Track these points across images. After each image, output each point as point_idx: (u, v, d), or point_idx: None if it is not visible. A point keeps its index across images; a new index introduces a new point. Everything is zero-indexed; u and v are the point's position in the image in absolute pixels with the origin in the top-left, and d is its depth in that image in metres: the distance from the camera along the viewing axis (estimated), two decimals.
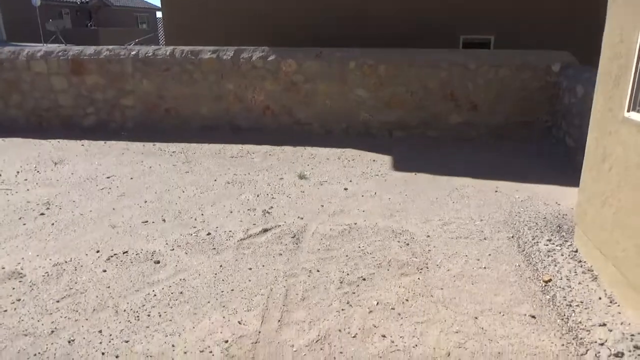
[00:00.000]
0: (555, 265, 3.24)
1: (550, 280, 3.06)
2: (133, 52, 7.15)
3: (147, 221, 4.04)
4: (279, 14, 8.87)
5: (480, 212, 4.18)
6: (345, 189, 4.80)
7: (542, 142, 6.38)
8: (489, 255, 3.42)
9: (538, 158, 5.82)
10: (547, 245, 3.52)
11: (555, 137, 6.32)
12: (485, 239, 3.68)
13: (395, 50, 6.84)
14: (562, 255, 3.37)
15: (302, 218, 4.08)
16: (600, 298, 2.86)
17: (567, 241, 3.56)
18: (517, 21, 8.45)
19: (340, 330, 2.62)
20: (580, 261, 3.27)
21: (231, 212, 4.23)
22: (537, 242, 3.57)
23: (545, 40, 7.92)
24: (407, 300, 2.89)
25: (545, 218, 4.01)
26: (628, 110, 2.83)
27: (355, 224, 3.95)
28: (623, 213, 2.82)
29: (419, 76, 6.70)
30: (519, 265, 3.27)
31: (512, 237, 3.70)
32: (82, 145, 6.50)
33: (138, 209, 4.31)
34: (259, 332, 2.61)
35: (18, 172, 5.31)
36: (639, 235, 2.62)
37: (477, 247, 3.53)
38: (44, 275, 3.16)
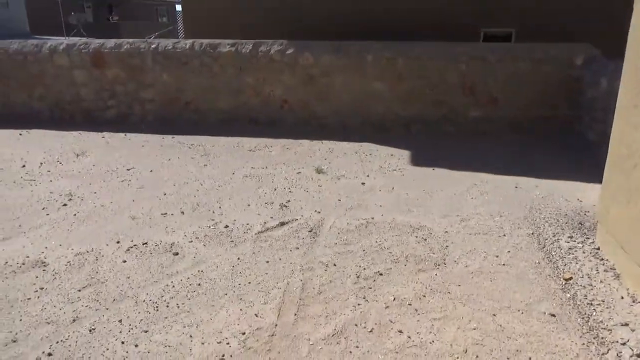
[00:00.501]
0: (577, 263, 3.18)
1: (571, 278, 3.01)
2: (153, 46, 7.21)
3: (166, 213, 4.09)
4: (299, 6, 8.84)
5: (500, 208, 4.13)
6: (363, 183, 4.79)
7: (564, 136, 6.25)
8: (508, 251, 3.38)
9: (559, 153, 5.71)
10: (568, 242, 3.46)
11: (578, 131, 6.19)
12: (504, 235, 3.63)
13: (414, 44, 6.77)
14: (584, 252, 3.31)
15: (319, 212, 4.09)
16: (622, 297, 2.80)
17: (588, 238, 3.50)
18: (539, 14, 8.28)
19: (356, 325, 2.62)
20: (602, 259, 3.20)
21: (249, 205, 4.25)
22: (558, 239, 3.51)
23: (568, 32, 7.75)
24: (424, 296, 2.87)
25: (566, 215, 3.94)
26: None
27: (373, 218, 3.94)
28: None
29: (438, 70, 6.62)
30: (539, 263, 3.23)
31: (532, 233, 3.64)
32: (103, 137, 6.60)
33: (157, 201, 4.36)
34: (276, 325, 2.63)
35: (41, 164, 5.42)
36: None
37: (496, 244, 3.49)
38: (66, 265, 3.23)
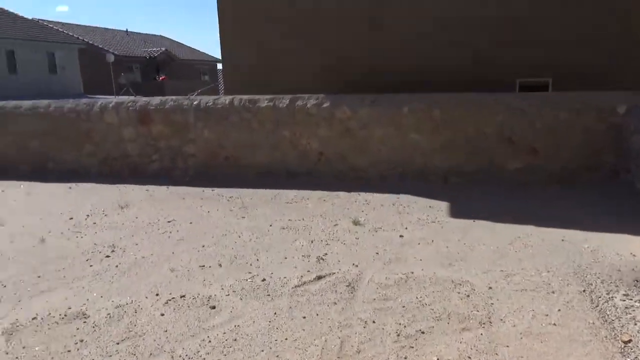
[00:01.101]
0: (635, 324, 2.96)
1: (630, 340, 2.79)
2: (195, 102, 7.55)
3: (204, 265, 4.12)
4: (337, 63, 9.11)
5: (547, 262, 3.94)
6: (401, 236, 4.70)
7: (610, 186, 6.01)
8: (559, 310, 3.19)
9: (606, 204, 5.47)
10: (623, 300, 3.24)
11: (624, 181, 5.95)
12: (553, 292, 3.44)
13: (450, 95, 6.81)
14: None
15: (357, 265, 4.01)
16: None
17: None
18: (575, 62, 8.21)
19: None
20: None
21: (285, 258, 4.23)
22: (612, 297, 3.29)
23: (608, 80, 7.63)
24: (469, 357, 2.72)
25: (619, 270, 3.71)
26: None
27: (412, 273, 3.83)
28: None
29: (474, 120, 6.60)
30: (593, 323, 3.02)
31: (584, 290, 3.44)
32: (147, 190, 6.82)
33: (196, 253, 4.41)
34: None
35: (88, 216, 5.63)
36: None
37: (545, 301, 3.31)
38: (106, 317, 3.26)
